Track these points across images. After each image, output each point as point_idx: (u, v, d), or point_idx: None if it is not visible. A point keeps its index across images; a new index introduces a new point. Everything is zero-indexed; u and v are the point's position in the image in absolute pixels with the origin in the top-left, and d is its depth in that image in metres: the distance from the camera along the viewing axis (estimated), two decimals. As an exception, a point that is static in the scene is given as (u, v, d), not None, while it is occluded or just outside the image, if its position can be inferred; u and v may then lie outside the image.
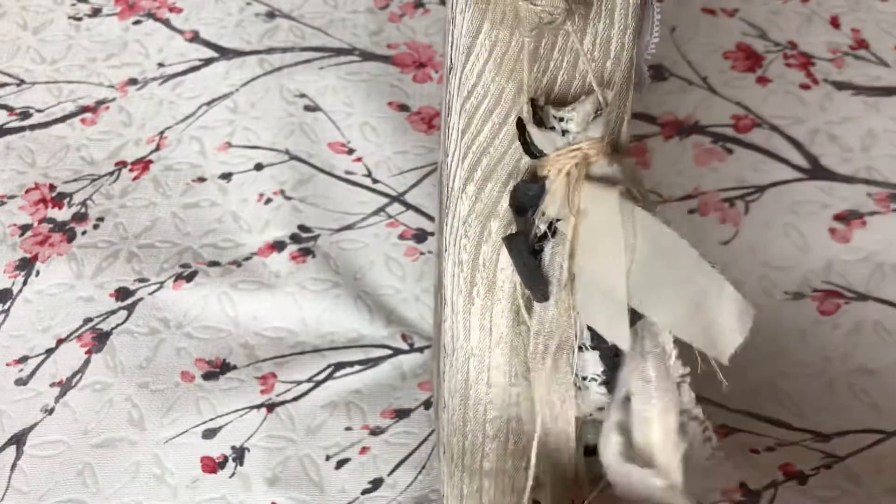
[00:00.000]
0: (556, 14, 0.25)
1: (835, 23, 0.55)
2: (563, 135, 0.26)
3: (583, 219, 0.25)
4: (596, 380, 0.28)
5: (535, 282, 0.26)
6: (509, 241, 0.27)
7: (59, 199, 0.51)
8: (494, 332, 0.29)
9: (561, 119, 0.26)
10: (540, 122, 0.26)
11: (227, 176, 0.51)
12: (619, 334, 0.25)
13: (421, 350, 0.44)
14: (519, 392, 0.30)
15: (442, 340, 0.33)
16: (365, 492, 0.40)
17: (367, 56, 0.55)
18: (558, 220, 0.26)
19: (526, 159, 0.27)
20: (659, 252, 0.25)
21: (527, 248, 0.26)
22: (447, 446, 0.34)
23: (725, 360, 0.24)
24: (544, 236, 0.26)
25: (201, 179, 0.51)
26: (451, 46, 0.30)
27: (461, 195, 0.29)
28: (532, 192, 0.26)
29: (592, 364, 0.27)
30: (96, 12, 0.59)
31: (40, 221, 0.50)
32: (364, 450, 0.41)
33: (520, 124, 0.27)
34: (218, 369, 0.44)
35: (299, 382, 0.43)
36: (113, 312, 0.46)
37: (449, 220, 0.30)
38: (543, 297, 0.26)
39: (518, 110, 0.27)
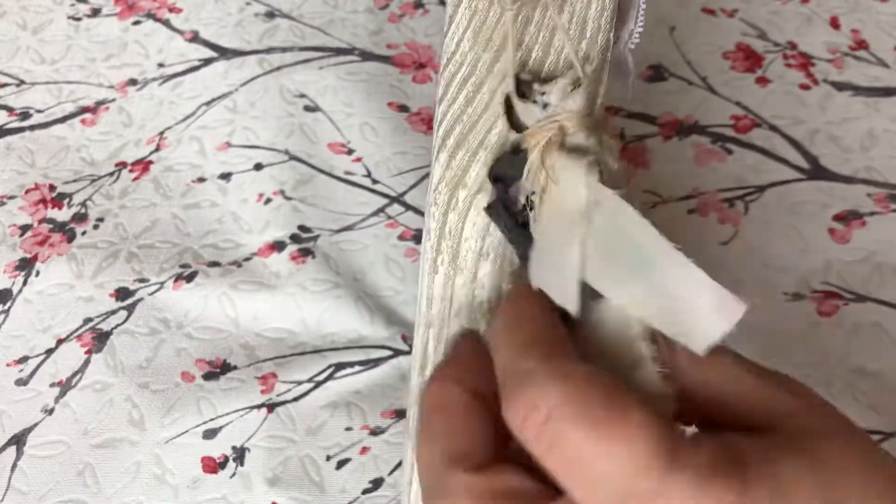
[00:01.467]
0: None
1: (834, 23, 0.55)
2: (544, 108, 0.26)
3: (551, 187, 0.26)
4: None
5: (518, 242, 0.27)
6: (489, 209, 0.27)
7: (59, 200, 0.51)
8: (454, 303, 0.29)
9: (543, 93, 0.26)
10: (524, 96, 0.27)
11: (226, 176, 0.51)
12: (568, 299, 0.24)
13: (421, 351, 0.44)
14: None
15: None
16: (366, 491, 0.40)
17: (366, 56, 0.55)
18: (533, 192, 0.26)
19: (497, 129, 0.28)
20: (616, 230, 0.24)
21: (506, 212, 0.27)
22: (408, 418, 0.33)
23: (700, 351, 0.23)
24: (524, 208, 0.27)
25: (201, 180, 0.51)
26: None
27: (434, 163, 0.29)
28: (514, 164, 0.27)
29: None
30: (96, 12, 0.59)
31: (40, 222, 0.50)
32: (364, 450, 0.41)
33: (507, 101, 0.27)
34: (218, 370, 0.44)
35: (300, 382, 0.43)
36: (113, 312, 0.46)
37: (427, 189, 0.31)
38: (523, 258, 0.27)
39: (494, 79, 0.28)
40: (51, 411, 0.43)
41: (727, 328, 0.23)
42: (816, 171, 0.49)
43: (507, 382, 0.23)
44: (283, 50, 0.56)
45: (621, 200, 0.24)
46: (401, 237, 0.48)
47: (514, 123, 0.27)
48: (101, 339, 0.45)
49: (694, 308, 0.23)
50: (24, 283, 0.47)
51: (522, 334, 0.24)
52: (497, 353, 0.25)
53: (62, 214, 0.50)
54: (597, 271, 0.24)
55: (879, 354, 0.43)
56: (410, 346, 0.45)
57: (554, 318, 0.25)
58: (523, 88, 0.27)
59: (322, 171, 0.51)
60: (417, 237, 0.48)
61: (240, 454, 0.41)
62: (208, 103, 0.54)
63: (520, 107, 0.27)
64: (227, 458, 0.41)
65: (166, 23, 0.58)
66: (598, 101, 0.28)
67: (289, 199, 0.50)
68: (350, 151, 0.52)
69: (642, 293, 0.24)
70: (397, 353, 0.44)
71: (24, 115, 0.54)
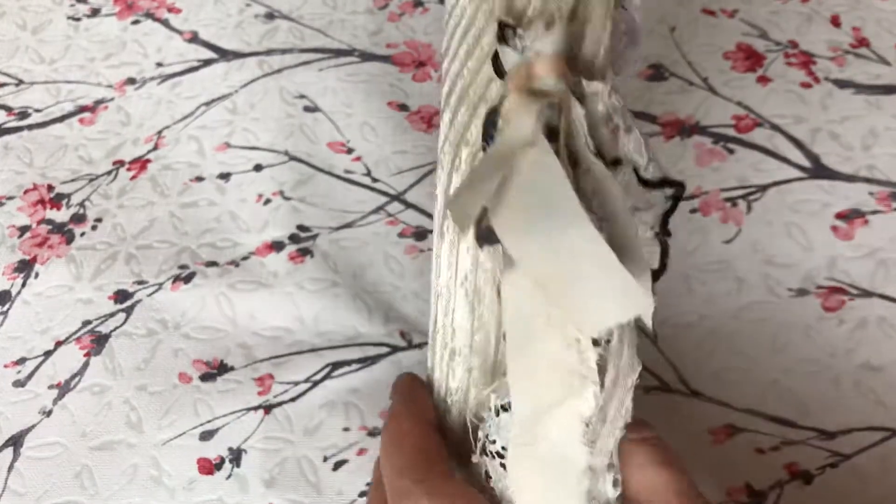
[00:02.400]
0: None
1: (835, 21, 0.55)
2: (522, 52, 0.25)
3: (503, 129, 0.24)
4: None
5: None
6: None
7: (57, 200, 0.50)
8: (459, 271, 0.28)
9: (521, 37, 0.25)
10: (506, 41, 0.25)
11: (225, 176, 0.51)
12: (464, 226, 0.25)
13: (420, 346, 0.44)
14: (480, 339, 0.28)
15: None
16: (362, 493, 0.40)
17: (366, 56, 0.55)
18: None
19: (496, 83, 0.26)
20: (534, 180, 0.22)
21: None
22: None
23: (585, 336, 0.22)
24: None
25: (199, 179, 0.51)
26: None
27: (441, 124, 0.27)
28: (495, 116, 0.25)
29: None
30: (95, 12, 0.59)
31: (39, 223, 0.49)
32: (362, 451, 0.41)
33: (496, 50, 0.26)
34: (215, 370, 0.43)
35: (297, 383, 0.43)
36: (112, 315, 0.45)
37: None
38: None
39: (491, 31, 0.26)
40: (49, 413, 0.42)
41: (625, 319, 0.21)
42: (818, 170, 0.49)
43: (391, 499, 0.27)
44: (283, 51, 0.56)
45: (550, 152, 0.22)
46: (401, 234, 0.48)
47: (498, 70, 0.26)
48: (99, 341, 0.45)
49: (592, 286, 0.21)
50: (24, 284, 0.47)
51: (401, 456, 0.28)
52: (383, 471, 0.28)
53: (61, 215, 0.50)
54: (502, 215, 0.23)
55: (885, 350, 0.42)
56: (409, 342, 0.44)
57: (430, 436, 0.28)
58: (507, 34, 0.25)
59: (322, 171, 0.51)
60: (417, 234, 0.48)
61: (236, 456, 0.41)
62: (207, 104, 0.54)
63: (501, 53, 0.25)
64: (223, 460, 0.41)
65: (165, 23, 0.58)
66: (599, 46, 0.26)
67: (288, 199, 0.49)
68: (350, 150, 0.51)
69: (538, 251, 0.22)
70: (395, 349, 0.44)
71: (23, 114, 0.54)
